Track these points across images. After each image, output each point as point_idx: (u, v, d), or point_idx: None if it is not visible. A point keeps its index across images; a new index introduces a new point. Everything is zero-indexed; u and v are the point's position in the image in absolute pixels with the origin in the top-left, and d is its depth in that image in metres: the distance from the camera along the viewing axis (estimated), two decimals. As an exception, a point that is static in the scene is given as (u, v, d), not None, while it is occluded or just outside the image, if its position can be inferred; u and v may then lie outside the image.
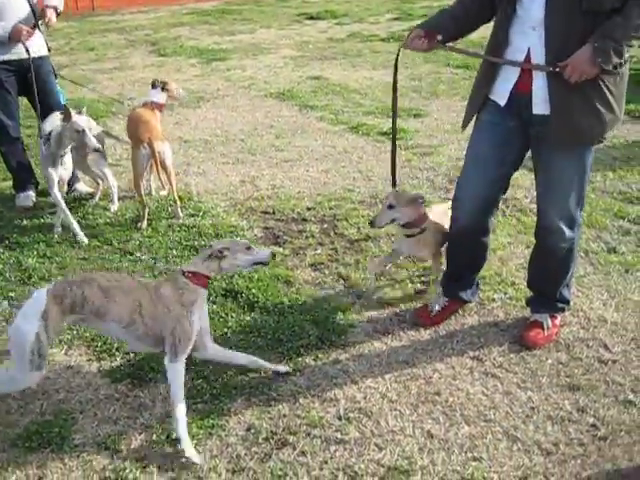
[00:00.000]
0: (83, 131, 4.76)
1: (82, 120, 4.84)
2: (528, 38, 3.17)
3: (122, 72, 10.58)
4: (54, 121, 5.06)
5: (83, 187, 5.95)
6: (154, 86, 5.48)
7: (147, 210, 5.21)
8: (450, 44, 3.54)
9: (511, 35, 3.23)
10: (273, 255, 3.32)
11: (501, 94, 3.34)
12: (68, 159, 5.14)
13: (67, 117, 4.82)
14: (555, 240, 3.49)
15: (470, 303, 3.98)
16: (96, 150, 4.94)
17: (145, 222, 5.16)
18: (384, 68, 10.17)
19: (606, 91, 3.13)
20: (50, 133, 4.98)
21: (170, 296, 3.11)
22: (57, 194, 5.04)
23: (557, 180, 3.37)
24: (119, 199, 5.60)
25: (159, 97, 5.45)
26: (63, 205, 5.03)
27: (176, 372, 3.07)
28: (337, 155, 6.63)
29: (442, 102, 8.27)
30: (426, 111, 7.92)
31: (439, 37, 3.41)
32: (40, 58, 5.41)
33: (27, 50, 5.21)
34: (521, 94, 3.26)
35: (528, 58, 3.20)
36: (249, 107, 8.48)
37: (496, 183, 3.58)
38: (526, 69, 3.21)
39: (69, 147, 5.01)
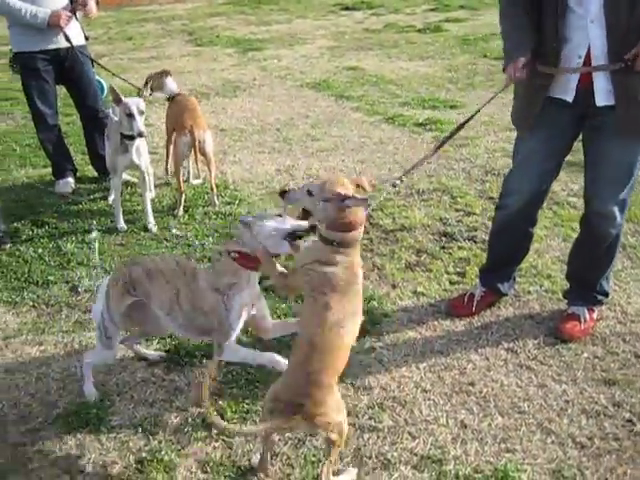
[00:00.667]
0: (131, 114, 4.70)
1: (133, 102, 4.75)
2: (587, 33, 3.15)
3: (159, 61, 10.65)
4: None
5: (125, 175, 6.01)
6: (168, 75, 5.49)
7: (184, 197, 5.25)
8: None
9: (568, 31, 3.19)
10: (312, 227, 2.74)
11: (567, 90, 3.30)
12: (143, 146, 5.03)
13: (117, 100, 4.77)
14: (606, 225, 3.49)
15: (506, 296, 3.97)
16: (140, 135, 4.82)
17: (181, 209, 5.21)
18: (420, 59, 10.13)
19: None
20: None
21: (205, 282, 2.94)
22: (119, 183, 5.08)
23: (613, 166, 3.37)
24: (156, 187, 5.65)
25: (174, 87, 5.51)
26: (118, 194, 5.09)
27: (232, 355, 2.99)
28: (373, 145, 6.62)
29: (479, 93, 8.19)
30: (462, 102, 7.87)
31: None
32: (79, 47, 5.47)
33: (67, 38, 5.27)
34: (584, 88, 3.24)
35: (589, 53, 3.17)
36: (285, 97, 8.50)
37: (548, 175, 3.60)
38: (587, 65, 3.19)
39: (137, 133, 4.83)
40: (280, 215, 2.84)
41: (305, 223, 2.78)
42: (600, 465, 2.84)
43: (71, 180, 5.83)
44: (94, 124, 5.73)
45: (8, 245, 4.85)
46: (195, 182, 5.76)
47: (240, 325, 2.95)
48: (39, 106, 5.52)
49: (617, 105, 3.19)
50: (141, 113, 4.73)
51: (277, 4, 16.48)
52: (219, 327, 2.91)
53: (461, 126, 3.50)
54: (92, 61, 5.67)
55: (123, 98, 4.75)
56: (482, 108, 3.57)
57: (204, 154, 5.20)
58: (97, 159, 5.91)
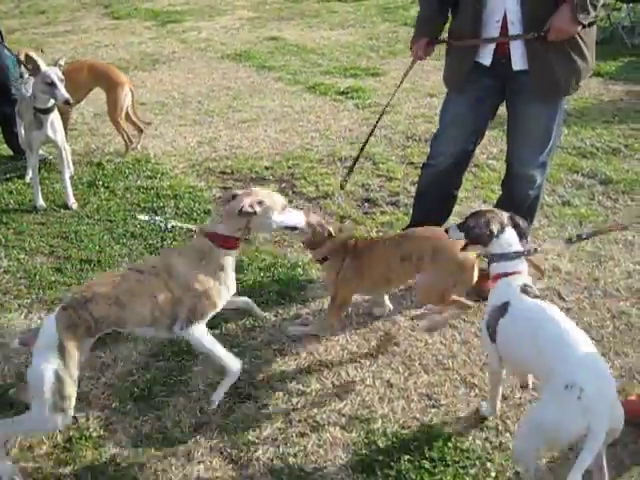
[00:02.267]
0: (53, 83, 4.52)
1: (52, 71, 4.57)
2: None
3: (75, 35, 10.38)
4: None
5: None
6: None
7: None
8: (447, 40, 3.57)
9: None
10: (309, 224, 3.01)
11: (485, 56, 3.39)
12: (57, 120, 4.86)
13: (35, 69, 4.61)
14: (526, 187, 3.59)
15: None
16: (66, 102, 4.62)
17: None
18: (341, 28, 10.13)
19: (579, 41, 3.21)
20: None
21: (188, 272, 2.79)
22: (36, 160, 4.92)
23: (531, 129, 3.47)
24: (74, 163, 5.53)
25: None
26: (36, 172, 4.93)
27: (201, 339, 2.88)
28: (295, 115, 6.61)
29: (399, 61, 8.25)
30: (383, 70, 7.91)
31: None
32: None
33: None
34: (501, 53, 3.33)
35: (505, 20, 3.25)
36: (206, 69, 8.39)
37: (473, 137, 3.69)
38: (504, 30, 3.26)
39: (51, 105, 4.71)
40: (284, 207, 2.92)
41: (303, 219, 2.99)
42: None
43: None
44: (6, 101, 5.56)
45: None
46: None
47: (217, 310, 2.93)
48: None
49: (531, 70, 3.28)
50: (61, 81, 4.57)
51: (195, -25, 16.22)
52: (197, 311, 2.82)
53: (386, 106, 4.00)
54: (1, 36, 5.48)
55: (43, 67, 4.60)
56: (398, 88, 3.97)
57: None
58: (11, 137, 5.75)
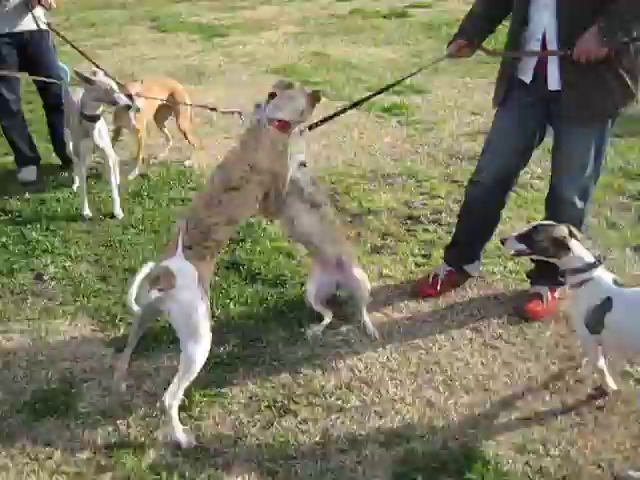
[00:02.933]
0: (111, 88, 4.64)
1: (106, 82, 4.71)
2: (543, 17, 3.24)
3: (123, 48, 10.54)
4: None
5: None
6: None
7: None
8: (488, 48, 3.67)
9: (530, 13, 3.30)
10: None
11: (526, 72, 3.42)
12: (104, 129, 4.99)
13: (88, 80, 4.69)
14: (568, 209, 3.55)
15: (471, 277, 4.02)
16: (128, 108, 4.79)
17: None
18: (385, 45, 10.15)
19: (618, 67, 3.18)
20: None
21: (265, 154, 3.15)
22: (83, 169, 5.04)
23: (572, 152, 3.45)
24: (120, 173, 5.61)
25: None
26: (83, 180, 5.05)
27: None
28: (338, 130, 6.62)
29: (444, 79, 8.25)
30: (428, 87, 7.90)
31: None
32: (41, 32, 5.41)
33: (36, 20, 5.23)
34: (540, 71, 3.34)
35: (544, 37, 3.26)
36: (250, 83, 8.46)
37: (516, 155, 3.66)
38: (544, 48, 3.29)
39: (99, 113, 4.86)
40: None
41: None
42: (563, 439, 2.90)
43: (34, 168, 5.76)
44: (57, 111, 5.67)
45: None
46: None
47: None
48: (2, 92, 5.44)
49: (563, 91, 3.28)
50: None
51: (242, -10, 16.38)
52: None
53: (396, 83, 4.34)
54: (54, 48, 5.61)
55: (95, 78, 4.71)
56: (419, 71, 4.19)
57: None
58: (60, 146, 5.86)
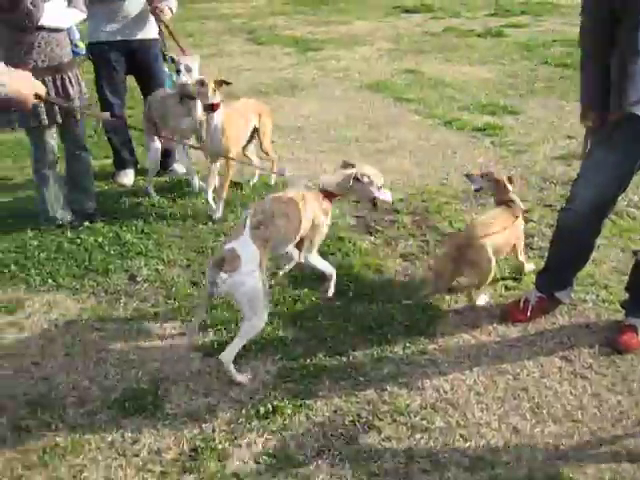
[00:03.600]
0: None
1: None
2: None
3: (220, 58, 10.78)
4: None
5: (180, 167, 6.11)
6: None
7: None
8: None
9: None
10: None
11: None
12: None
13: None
14: None
15: (563, 304, 3.94)
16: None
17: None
18: (480, 64, 10.07)
19: None
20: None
21: (314, 207, 3.72)
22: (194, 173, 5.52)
23: None
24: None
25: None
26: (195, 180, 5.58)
27: (316, 259, 3.92)
28: (430, 148, 6.61)
29: (538, 100, 8.13)
30: (522, 108, 7.80)
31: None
32: (150, 40, 5.62)
33: (160, 29, 5.65)
34: None
35: None
36: (343, 97, 8.52)
37: (616, 184, 3.55)
38: None
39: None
40: (380, 188, 3.89)
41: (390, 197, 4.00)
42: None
43: (131, 172, 5.95)
44: None
45: (98, 219, 5.10)
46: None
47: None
48: (107, 95, 5.65)
49: None
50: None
51: (336, 5, 16.52)
52: (317, 237, 3.84)
53: None
54: (164, 55, 5.80)
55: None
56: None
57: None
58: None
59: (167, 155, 6.01)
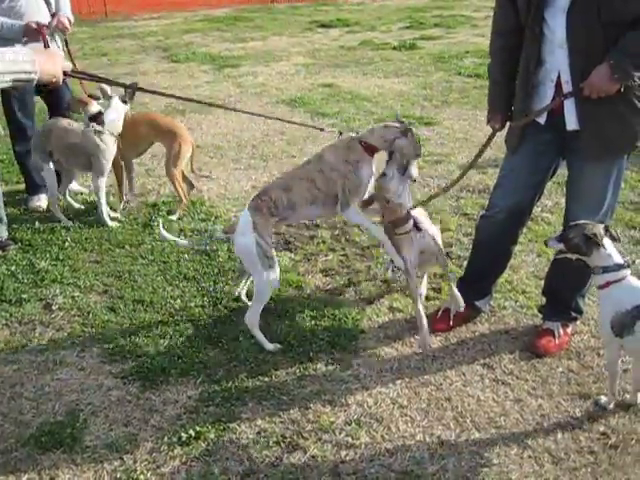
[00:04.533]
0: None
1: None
2: (557, 58, 3.22)
3: (135, 77, 10.59)
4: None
5: (75, 185, 5.99)
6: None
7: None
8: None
9: (542, 55, 3.28)
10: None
11: (541, 115, 3.40)
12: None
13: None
14: None
15: (482, 312, 3.99)
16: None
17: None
18: (395, 76, 10.21)
19: (635, 100, 3.17)
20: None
21: (334, 158, 3.67)
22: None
23: (586, 190, 3.44)
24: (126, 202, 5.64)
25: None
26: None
27: (355, 215, 3.80)
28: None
29: (453, 111, 8.28)
30: (437, 119, 7.93)
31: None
32: None
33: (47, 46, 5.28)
34: (556, 113, 3.32)
35: (559, 78, 3.25)
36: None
37: (529, 191, 3.63)
38: (558, 88, 3.28)
39: None
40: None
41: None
42: (576, 479, 2.85)
43: (44, 196, 5.78)
44: None
45: (11, 247, 4.96)
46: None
47: (364, 189, 3.74)
48: (20, 118, 5.47)
49: (582, 130, 3.27)
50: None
51: (252, 21, 16.54)
52: (351, 190, 3.69)
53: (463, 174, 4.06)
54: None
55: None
56: (476, 159, 3.94)
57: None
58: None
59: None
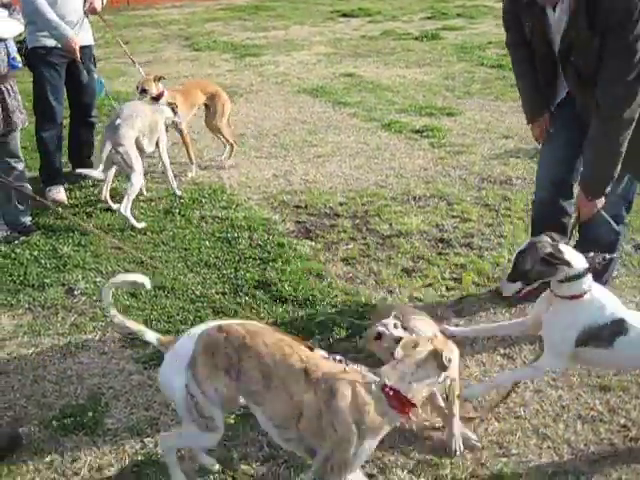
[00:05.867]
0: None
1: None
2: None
3: (156, 65, 10.64)
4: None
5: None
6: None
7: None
8: None
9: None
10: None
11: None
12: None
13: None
14: (601, 232, 3.62)
15: None
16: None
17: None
18: (417, 66, 10.16)
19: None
20: None
21: (346, 413, 2.35)
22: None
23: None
24: (152, 190, 5.69)
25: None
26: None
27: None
28: (369, 152, 6.64)
29: (475, 101, 8.23)
30: (459, 110, 7.89)
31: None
32: (87, 47, 5.58)
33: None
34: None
35: None
36: (282, 102, 8.50)
37: (565, 163, 3.72)
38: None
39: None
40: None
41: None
42: (595, 470, 2.85)
43: (63, 188, 5.74)
44: (84, 123, 5.74)
45: (35, 233, 4.99)
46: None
47: (354, 471, 2.50)
48: (51, 102, 5.49)
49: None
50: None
51: (274, 10, 16.48)
52: (333, 466, 2.38)
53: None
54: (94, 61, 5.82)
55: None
56: None
57: None
58: (78, 158, 5.99)
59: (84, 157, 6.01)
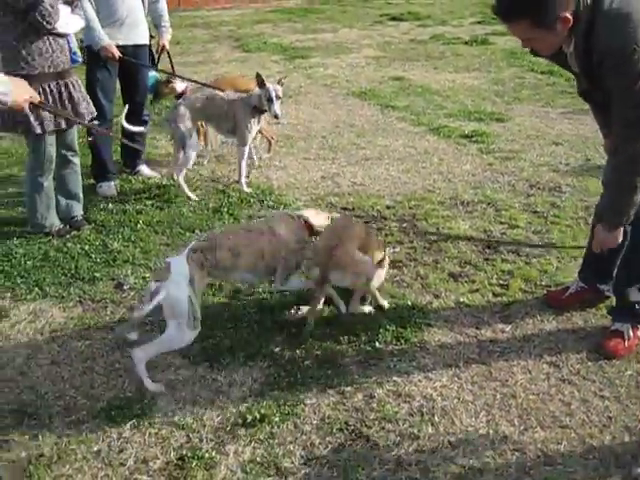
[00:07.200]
0: (271, 99, 5.47)
1: (273, 89, 5.52)
2: None
3: (206, 66, 10.77)
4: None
5: (147, 170, 6.12)
6: None
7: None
8: None
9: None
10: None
11: None
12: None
13: (261, 84, 5.52)
14: None
15: (607, 296, 3.99)
16: (276, 117, 5.65)
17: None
18: (467, 71, 10.12)
19: None
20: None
21: (286, 235, 3.74)
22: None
23: None
24: (200, 189, 5.73)
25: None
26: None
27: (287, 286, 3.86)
28: (418, 156, 6.63)
29: (525, 107, 8.17)
30: (509, 115, 7.84)
31: None
32: (143, 46, 5.69)
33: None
34: None
35: None
36: (331, 105, 8.54)
37: None
38: None
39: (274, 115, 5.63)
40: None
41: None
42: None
43: (114, 184, 5.86)
44: (135, 119, 5.85)
45: (86, 227, 5.11)
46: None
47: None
48: (100, 99, 5.60)
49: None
50: (278, 98, 5.53)
51: (324, 13, 16.57)
52: (287, 266, 3.76)
53: None
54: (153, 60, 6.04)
55: (267, 83, 5.51)
56: None
57: None
58: (128, 153, 6.16)
59: (136, 157, 6.13)
